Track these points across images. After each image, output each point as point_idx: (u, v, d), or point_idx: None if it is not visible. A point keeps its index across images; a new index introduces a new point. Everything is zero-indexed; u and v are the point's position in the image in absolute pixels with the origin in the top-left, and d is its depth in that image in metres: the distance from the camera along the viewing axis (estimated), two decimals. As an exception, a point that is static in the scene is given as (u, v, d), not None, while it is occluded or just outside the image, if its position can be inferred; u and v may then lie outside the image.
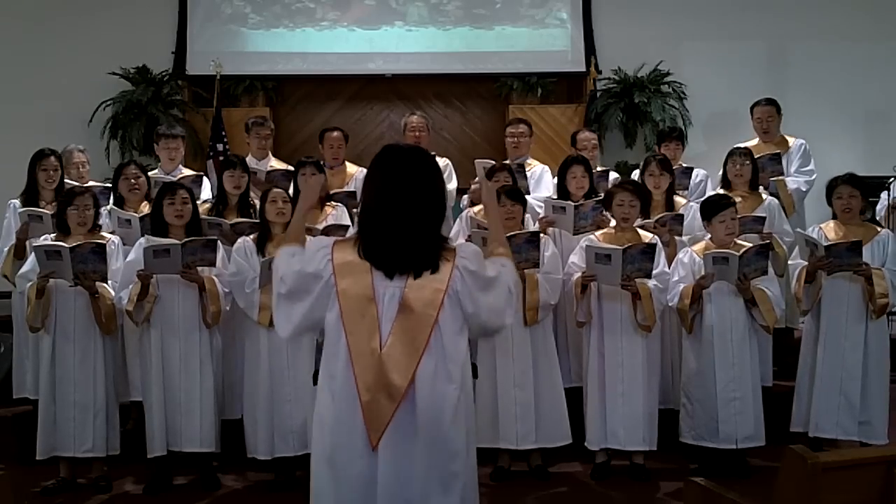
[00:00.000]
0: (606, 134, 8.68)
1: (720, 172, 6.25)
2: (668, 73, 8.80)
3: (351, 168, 6.92)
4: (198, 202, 5.51)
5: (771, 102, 6.86)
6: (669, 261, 5.46)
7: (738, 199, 5.64)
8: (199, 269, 5.15)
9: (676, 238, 5.70)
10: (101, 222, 5.47)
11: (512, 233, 5.18)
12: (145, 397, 5.24)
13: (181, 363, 5.18)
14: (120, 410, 5.46)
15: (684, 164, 6.81)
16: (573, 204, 5.72)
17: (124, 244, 5.45)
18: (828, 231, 5.48)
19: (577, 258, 5.40)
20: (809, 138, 6.98)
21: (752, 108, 6.92)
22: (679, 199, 6.10)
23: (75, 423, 5.16)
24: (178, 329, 5.19)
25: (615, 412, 5.26)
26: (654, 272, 5.21)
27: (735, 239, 5.34)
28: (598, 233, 5.53)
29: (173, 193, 5.22)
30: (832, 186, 5.54)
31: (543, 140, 8.37)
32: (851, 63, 8.94)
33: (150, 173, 6.14)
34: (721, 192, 5.85)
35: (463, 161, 7.94)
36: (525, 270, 5.18)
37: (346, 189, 6.47)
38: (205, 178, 6.58)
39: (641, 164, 6.19)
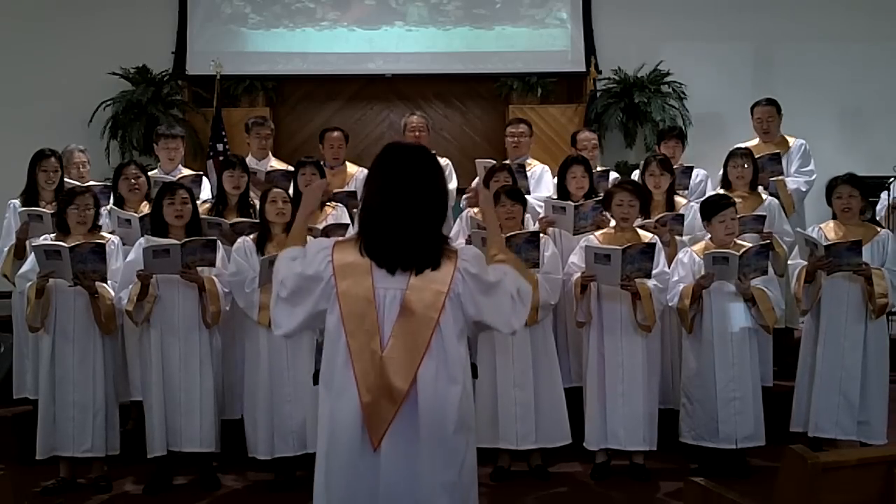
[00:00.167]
0: (606, 134, 8.69)
1: (720, 172, 6.24)
2: (668, 73, 8.81)
3: (351, 168, 6.92)
4: (197, 202, 5.51)
5: (771, 102, 6.85)
6: (670, 261, 5.47)
7: (738, 200, 5.64)
8: (199, 269, 5.15)
9: (677, 238, 5.70)
10: (101, 222, 5.47)
11: (512, 233, 5.19)
12: (145, 397, 5.24)
13: (181, 363, 5.18)
14: (120, 410, 5.46)
15: (684, 164, 6.81)
16: (573, 204, 5.72)
17: (124, 244, 5.45)
18: (828, 231, 5.49)
19: (576, 258, 5.40)
20: (809, 138, 6.98)
21: (752, 108, 6.92)
22: (679, 199, 6.10)
23: (75, 423, 5.16)
24: (177, 329, 5.19)
25: (615, 412, 5.26)
26: (653, 272, 5.21)
27: (735, 239, 5.34)
28: (597, 233, 5.53)
29: (173, 193, 5.22)
30: (832, 186, 5.54)
31: (543, 140, 8.38)
32: (851, 63, 8.96)
33: (149, 173, 6.14)
34: (721, 192, 5.85)
35: (463, 161, 7.94)
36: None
37: (346, 189, 6.47)
38: (204, 178, 6.58)
39: (642, 164, 6.19)
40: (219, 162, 7.18)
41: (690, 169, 6.79)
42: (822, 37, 8.90)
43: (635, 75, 8.82)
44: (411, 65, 8.92)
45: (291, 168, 6.36)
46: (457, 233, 5.88)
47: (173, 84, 8.69)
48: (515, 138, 6.83)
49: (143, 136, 8.24)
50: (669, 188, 5.97)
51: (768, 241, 5.53)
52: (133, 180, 5.86)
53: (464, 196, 6.73)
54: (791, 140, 6.87)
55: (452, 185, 6.87)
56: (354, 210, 6.02)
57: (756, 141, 6.84)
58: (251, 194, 6.01)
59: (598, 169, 6.69)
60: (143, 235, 5.31)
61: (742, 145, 6.54)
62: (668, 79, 8.81)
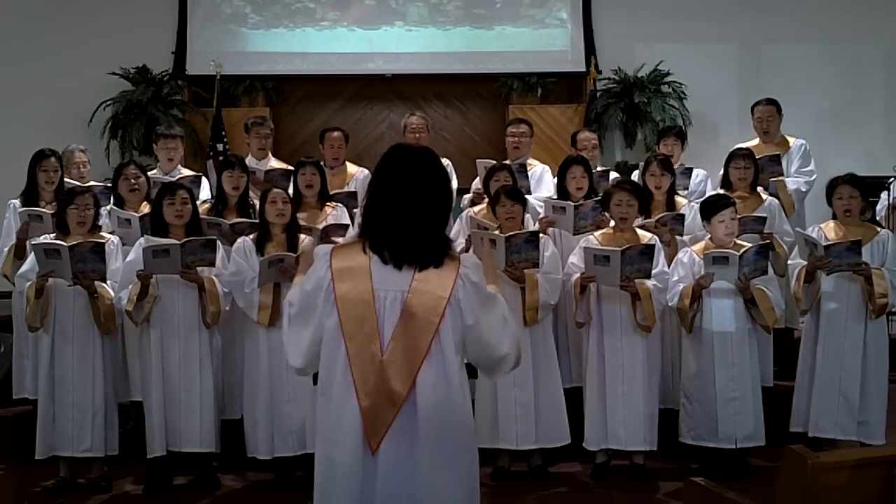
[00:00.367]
0: (606, 134, 8.69)
1: (720, 173, 6.24)
2: (668, 73, 8.81)
3: (351, 168, 6.91)
4: (196, 202, 5.50)
5: (771, 102, 6.85)
6: (670, 261, 5.47)
7: (738, 200, 5.64)
8: (199, 269, 5.15)
9: (677, 238, 5.70)
10: (100, 222, 5.47)
11: (512, 233, 5.19)
12: (145, 397, 5.24)
13: (181, 363, 5.18)
14: (120, 410, 5.47)
15: (685, 165, 6.81)
16: (573, 204, 5.72)
17: (124, 244, 5.46)
18: (828, 231, 5.48)
19: (576, 258, 5.40)
20: (809, 138, 6.99)
21: (752, 108, 6.92)
22: (680, 199, 6.10)
23: (74, 423, 5.16)
24: (177, 329, 5.19)
25: (615, 412, 5.26)
26: (653, 272, 5.21)
27: (735, 239, 5.34)
28: (597, 233, 5.53)
29: (173, 194, 5.22)
30: (832, 187, 5.53)
31: (543, 140, 8.37)
32: (851, 64, 8.96)
33: (148, 173, 6.13)
34: (721, 192, 5.85)
35: (463, 161, 7.94)
36: (525, 270, 5.18)
37: (346, 189, 6.47)
38: (203, 179, 6.58)
39: (642, 164, 6.19)
40: (219, 162, 7.18)
41: (690, 169, 6.79)
42: (822, 38, 8.90)
43: (635, 75, 8.81)
44: (411, 65, 8.92)
45: (291, 168, 6.36)
46: (457, 233, 5.88)
47: (173, 84, 8.68)
48: (516, 138, 6.81)
49: (143, 137, 8.23)
50: (670, 188, 5.97)
51: (768, 241, 5.53)
52: (133, 180, 5.86)
53: (465, 196, 6.73)
54: (791, 140, 6.87)
55: (453, 185, 6.87)
56: (354, 210, 6.02)
57: (756, 141, 6.83)
58: (251, 194, 6.01)
59: (598, 169, 6.68)
60: (142, 235, 5.31)
61: (743, 145, 6.54)
62: (668, 79, 8.80)
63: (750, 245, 5.27)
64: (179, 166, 6.66)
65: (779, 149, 6.68)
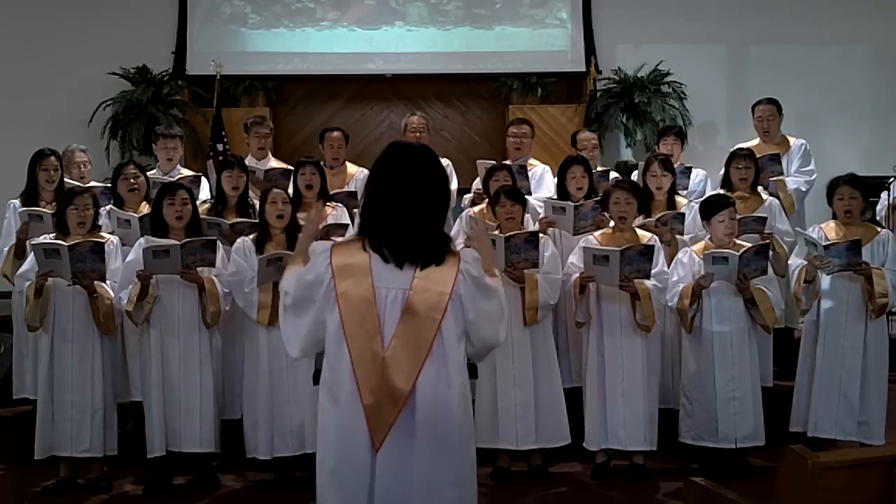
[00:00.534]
0: (606, 134, 8.69)
1: (720, 173, 6.24)
2: (668, 73, 8.80)
3: (351, 168, 6.91)
4: (196, 202, 5.50)
5: (772, 102, 6.85)
6: (672, 260, 5.47)
7: (738, 200, 5.64)
8: (199, 269, 5.15)
9: (678, 237, 5.69)
10: (100, 222, 5.47)
11: (512, 233, 5.19)
12: (145, 398, 5.24)
13: (181, 363, 5.17)
14: (120, 410, 5.47)
15: (684, 165, 6.81)
16: (573, 204, 5.72)
17: (123, 244, 5.45)
18: (828, 231, 5.48)
19: (576, 258, 5.40)
20: (809, 138, 6.98)
21: (752, 108, 6.92)
22: (680, 199, 6.09)
23: (73, 423, 5.16)
24: (177, 329, 5.19)
25: (615, 412, 5.26)
26: (653, 272, 5.21)
27: (735, 239, 5.34)
28: (596, 233, 5.52)
29: (173, 194, 5.22)
30: (833, 187, 5.53)
31: (543, 140, 8.37)
32: (850, 64, 8.96)
33: (148, 174, 6.13)
34: (721, 192, 5.85)
35: (463, 161, 7.95)
36: (525, 270, 5.18)
37: (346, 189, 6.47)
38: (203, 179, 6.57)
39: (643, 164, 6.19)
40: (219, 162, 7.18)
41: (690, 169, 6.79)
42: (822, 38, 8.90)
43: (635, 75, 8.81)
44: (411, 65, 8.92)
45: (291, 167, 6.36)
46: (456, 233, 5.88)
47: (173, 84, 8.68)
48: (518, 139, 6.77)
49: (143, 136, 8.23)
50: (671, 188, 5.97)
51: (768, 241, 5.53)
52: (132, 180, 5.86)
53: (466, 196, 6.72)
54: (792, 140, 6.87)
55: (453, 185, 6.86)
56: (354, 210, 6.02)
57: (757, 141, 6.83)
58: (250, 194, 6.01)
59: (598, 169, 6.68)
60: (142, 236, 5.31)
61: (743, 145, 6.54)
62: (668, 79, 8.80)
63: (750, 245, 5.26)
64: (179, 166, 6.66)
65: (779, 148, 6.68)
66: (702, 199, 5.67)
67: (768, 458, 5.29)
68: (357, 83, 9.21)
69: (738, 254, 5.13)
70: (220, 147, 7.95)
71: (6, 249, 5.86)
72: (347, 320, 2.82)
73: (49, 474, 5.29)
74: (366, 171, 6.73)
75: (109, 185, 6.18)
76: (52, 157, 5.97)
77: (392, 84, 9.16)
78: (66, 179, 6.06)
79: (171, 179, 5.95)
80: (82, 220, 5.25)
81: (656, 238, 5.45)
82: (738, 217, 5.43)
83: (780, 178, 6.54)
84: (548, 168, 6.83)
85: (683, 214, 5.80)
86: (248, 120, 7.12)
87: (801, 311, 5.53)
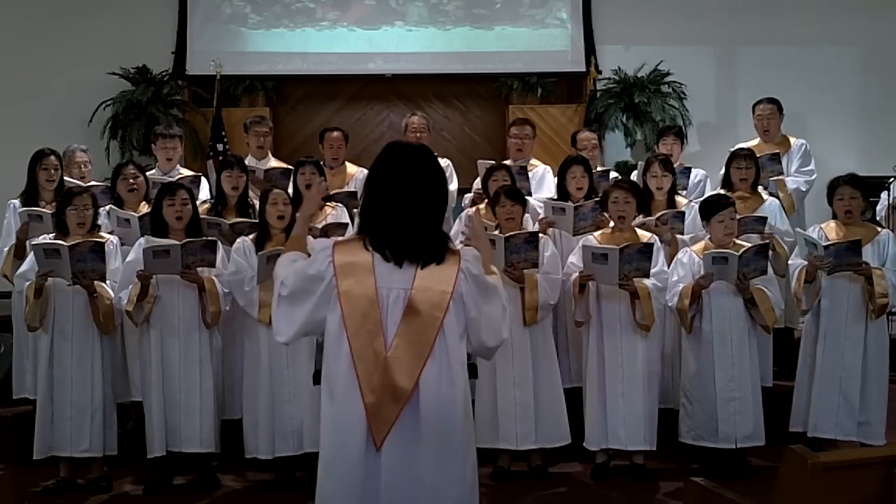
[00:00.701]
0: (606, 134, 8.69)
1: (720, 172, 6.24)
2: (668, 73, 8.80)
3: (351, 168, 6.91)
4: (196, 202, 5.50)
5: (772, 101, 6.85)
6: (672, 259, 5.47)
7: (739, 200, 5.64)
8: (199, 269, 5.15)
9: (678, 237, 5.69)
10: (99, 222, 5.47)
11: (511, 233, 5.19)
12: (145, 398, 5.24)
13: (181, 363, 5.17)
14: (120, 410, 5.47)
15: (683, 165, 6.81)
16: (572, 205, 5.72)
17: (123, 244, 5.46)
18: (828, 231, 5.48)
19: (575, 258, 5.40)
20: (810, 138, 6.98)
21: (753, 107, 6.92)
22: (680, 199, 6.09)
23: (73, 423, 5.16)
24: (177, 329, 5.19)
25: (615, 412, 5.26)
26: (652, 271, 5.21)
27: (735, 239, 5.34)
28: (596, 233, 5.52)
29: (173, 194, 5.22)
30: (833, 187, 5.53)
31: (543, 140, 8.37)
32: (850, 64, 8.96)
33: (147, 174, 6.13)
34: (721, 191, 5.85)
35: (463, 161, 7.95)
36: (525, 270, 5.18)
37: (346, 189, 6.47)
38: (203, 179, 6.58)
39: (643, 164, 6.18)
40: (219, 162, 7.18)
41: (689, 169, 6.78)
42: (822, 38, 8.90)
43: (635, 75, 8.82)
44: (411, 65, 8.92)
45: (290, 167, 6.36)
46: (456, 233, 5.87)
47: (173, 84, 8.68)
48: (520, 140, 6.73)
49: (143, 136, 8.22)
50: (671, 188, 5.97)
51: (768, 241, 5.52)
52: (131, 180, 5.86)
53: (466, 196, 6.72)
54: (792, 140, 6.87)
55: (453, 185, 6.87)
56: (354, 210, 6.02)
57: (757, 140, 6.84)
58: (250, 194, 6.01)
59: (598, 169, 6.67)
60: (142, 235, 5.31)
61: (743, 145, 6.54)
62: (668, 79, 8.80)
63: (750, 245, 5.26)
64: (178, 166, 6.66)
65: (779, 148, 6.68)
66: (702, 200, 5.67)
67: (768, 458, 5.29)
68: (357, 83, 9.21)
69: (737, 254, 5.13)
70: (220, 147, 7.95)
71: (6, 249, 5.86)
72: (349, 318, 2.82)
73: (49, 474, 5.29)
74: (365, 171, 6.69)
75: (109, 185, 6.17)
76: (52, 157, 5.98)
77: (392, 84, 9.16)
78: (66, 179, 6.06)
79: (171, 179, 5.95)
80: (82, 221, 5.25)
81: (656, 238, 5.45)
82: (738, 217, 5.43)
83: (780, 177, 6.54)
84: (549, 168, 6.82)
85: (683, 213, 5.80)
86: (248, 119, 7.13)
87: (802, 311, 5.53)
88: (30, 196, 5.95)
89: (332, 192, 6.17)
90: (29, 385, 5.82)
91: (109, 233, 5.55)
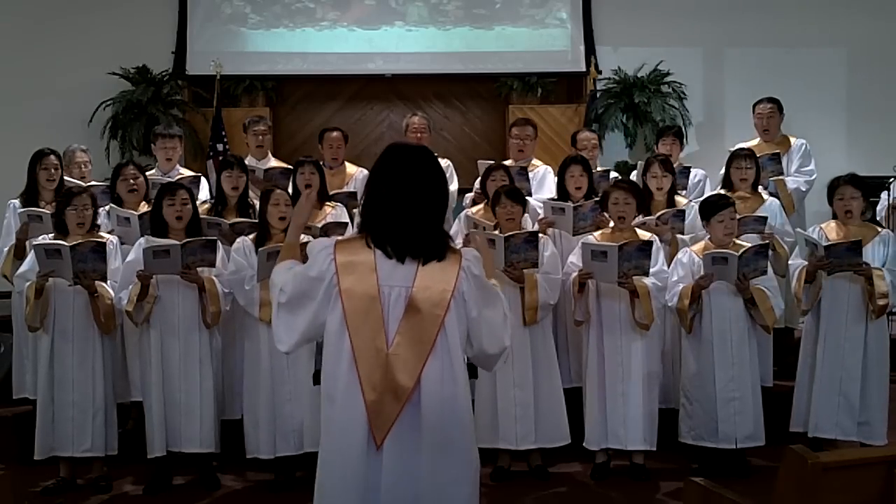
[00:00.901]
0: (606, 134, 8.69)
1: (720, 172, 6.24)
2: (668, 73, 8.80)
3: (351, 168, 6.91)
4: (196, 202, 5.50)
5: (772, 101, 6.85)
6: (672, 259, 5.46)
7: (739, 200, 5.63)
8: (199, 269, 5.15)
9: (678, 237, 5.69)
10: (99, 222, 5.47)
11: (511, 233, 5.19)
12: (145, 398, 5.24)
13: (181, 363, 5.17)
14: (120, 410, 5.47)
15: (683, 164, 6.81)
16: (572, 205, 5.72)
17: (123, 243, 5.46)
18: (829, 231, 5.48)
19: (575, 258, 5.40)
20: (810, 138, 6.98)
21: (753, 107, 6.92)
22: (680, 200, 6.09)
23: (73, 423, 5.16)
24: (177, 329, 5.19)
25: (615, 412, 5.26)
26: (652, 270, 5.21)
27: (735, 239, 5.34)
28: (596, 233, 5.53)
29: (173, 194, 5.22)
30: (833, 187, 5.53)
31: (543, 140, 8.35)
32: (850, 64, 8.96)
33: (147, 174, 6.13)
34: (721, 191, 5.85)
35: (463, 161, 7.94)
36: (524, 270, 5.18)
37: (346, 189, 6.46)
38: (203, 179, 6.58)
39: (643, 164, 6.18)
40: (219, 162, 7.18)
41: (688, 169, 6.78)
42: (821, 38, 8.90)
43: (635, 75, 8.81)
44: (411, 65, 8.91)
45: (290, 167, 6.36)
46: (455, 233, 5.87)
47: (173, 84, 8.68)
48: (521, 140, 6.71)
49: (143, 136, 8.22)
50: (671, 188, 5.96)
51: (768, 241, 5.53)
52: (131, 181, 5.85)
53: (466, 196, 6.72)
54: (792, 139, 6.87)
55: (453, 186, 6.86)
56: (354, 210, 6.02)
57: (757, 140, 6.83)
58: (250, 194, 6.01)
59: (598, 169, 6.68)
60: (142, 235, 5.31)
61: (744, 145, 6.54)
62: (668, 79, 8.80)
63: (749, 245, 5.26)
64: (178, 166, 6.66)
65: (779, 148, 6.68)
66: (702, 200, 5.67)
67: (768, 458, 5.29)
68: (357, 83, 9.21)
69: (737, 254, 5.13)
70: (219, 147, 7.95)
71: (6, 250, 5.86)
72: (351, 316, 2.82)
73: (49, 474, 5.29)
74: (365, 171, 6.74)
75: (109, 184, 6.17)
76: (52, 157, 5.97)
77: (392, 84, 9.16)
78: (66, 179, 6.05)
79: (171, 179, 5.95)
80: (81, 221, 5.24)
81: (655, 238, 5.45)
82: (738, 217, 5.43)
83: (780, 177, 6.54)
84: (549, 168, 6.81)
85: (684, 212, 5.80)
86: (247, 119, 7.13)
87: (802, 312, 5.53)
88: (30, 196, 5.95)
89: (332, 192, 6.17)
90: (29, 385, 5.82)
91: (109, 232, 5.55)
